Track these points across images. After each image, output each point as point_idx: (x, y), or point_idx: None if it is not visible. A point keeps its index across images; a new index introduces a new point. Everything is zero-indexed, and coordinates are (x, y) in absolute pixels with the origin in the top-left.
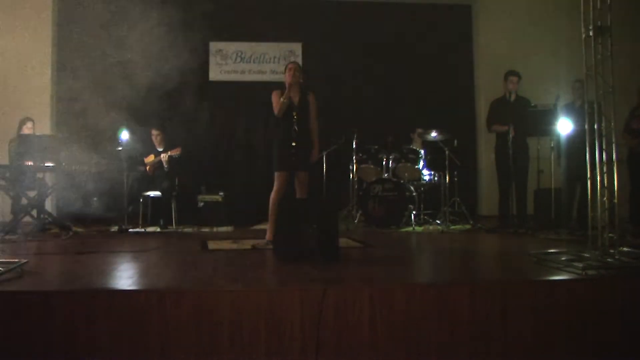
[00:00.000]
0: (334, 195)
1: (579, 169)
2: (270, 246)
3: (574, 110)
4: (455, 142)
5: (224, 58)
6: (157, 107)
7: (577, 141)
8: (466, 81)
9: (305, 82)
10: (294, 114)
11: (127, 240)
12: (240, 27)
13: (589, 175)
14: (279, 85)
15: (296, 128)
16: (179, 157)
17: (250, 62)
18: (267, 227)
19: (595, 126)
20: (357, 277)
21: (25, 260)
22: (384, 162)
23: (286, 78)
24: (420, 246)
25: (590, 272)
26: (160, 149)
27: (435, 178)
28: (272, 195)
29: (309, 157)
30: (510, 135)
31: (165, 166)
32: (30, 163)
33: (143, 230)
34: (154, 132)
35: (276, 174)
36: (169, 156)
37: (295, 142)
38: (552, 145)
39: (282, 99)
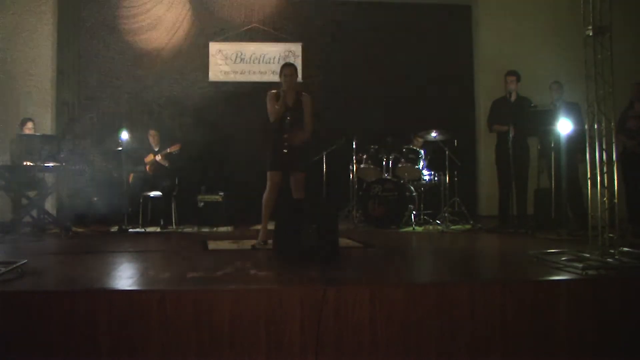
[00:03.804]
0: (334, 195)
1: (565, 169)
2: (266, 246)
3: (557, 110)
4: (455, 142)
5: (223, 58)
6: (157, 108)
7: (562, 141)
8: (466, 81)
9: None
10: (288, 115)
11: (127, 240)
12: (240, 28)
13: (589, 175)
14: (274, 86)
15: (289, 129)
16: (179, 153)
17: (250, 62)
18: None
19: (592, 127)
20: (357, 277)
21: (25, 260)
22: (384, 162)
23: (282, 83)
24: (420, 246)
25: (590, 272)
26: (156, 149)
27: (435, 178)
28: (265, 195)
29: (303, 158)
30: (511, 135)
31: (166, 164)
32: (30, 163)
33: (143, 230)
34: (152, 132)
35: (268, 174)
36: (167, 153)
37: (288, 143)
38: (552, 145)
39: (277, 106)
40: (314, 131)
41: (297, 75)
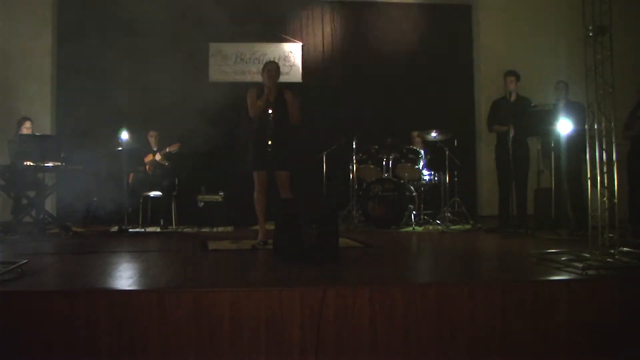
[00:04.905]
0: (334, 195)
1: (567, 169)
2: (267, 246)
3: (558, 110)
4: (455, 142)
5: (223, 59)
6: (157, 108)
7: (564, 141)
8: (466, 81)
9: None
10: (270, 112)
11: (127, 240)
12: (240, 28)
13: (589, 175)
14: (254, 84)
15: (272, 127)
16: (178, 153)
17: (250, 62)
18: (263, 227)
19: (592, 127)
20: (357, 277)
21: (25, 260)
22: (384, 162)
23: (264, 80)
24: (420, 246)
25: (590, 272)
26: (156, 149)
27: (435, 178)
28: (255, 195)
29: (287, 157)
30: (511, 135)
31: (166, 164)
32: (30, 163)
33: (143, 230)
34: (152, 132)
35: (254, 174)
36: (167, 153)
37: (271, 141)
38: (552, 145)
39: (259, 102)
40: (314, 131)
41: (280, 73)
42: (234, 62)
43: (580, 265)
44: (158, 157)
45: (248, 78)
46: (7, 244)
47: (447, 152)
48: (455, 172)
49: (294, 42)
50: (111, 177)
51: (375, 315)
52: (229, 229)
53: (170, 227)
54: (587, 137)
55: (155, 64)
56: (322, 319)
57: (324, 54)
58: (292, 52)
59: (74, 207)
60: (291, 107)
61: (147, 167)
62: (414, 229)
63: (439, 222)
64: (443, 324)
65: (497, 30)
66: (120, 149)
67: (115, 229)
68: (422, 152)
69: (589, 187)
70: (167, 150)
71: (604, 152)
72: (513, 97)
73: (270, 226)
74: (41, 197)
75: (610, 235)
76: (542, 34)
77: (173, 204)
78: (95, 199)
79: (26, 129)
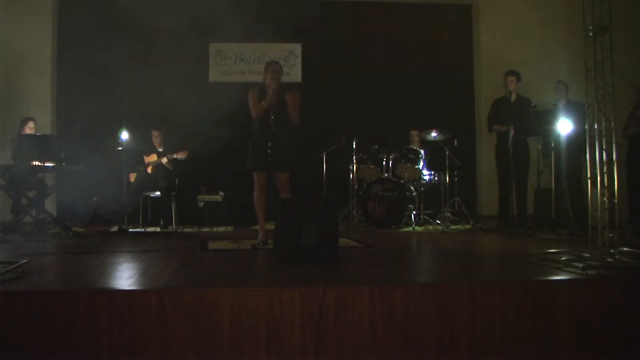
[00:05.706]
0: (334, 195)
1: (567, 169)
2: (267, 246)
3: (558, 110)
4: (455, 142)
5: (223, 59)
6: (157, 108)
7: (564, 141)
8: (466, 81)
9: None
10: (271, 114)
11: (127, 240)
12: (240, 28)
13: (589, 175)
14: (255, 84)
15: (272, 128)
16: (184, 160)
17: (250, 63)
18: (263, 227)
19: (592, 127)
20: (357, 277)
21: (25, 260)
22: (384, 162)
23: (267, 81)
24: (420, 246)
25: (590, 272)
26: (160, 150)
27: (435, 178)
28: (255, 195)
29: (287, 158)
30: (511, 135)
31: (170, 167)
32: (35, 163)
33: (143, 230)
34: (155, 132)
35: (254, 175)
36: (173, 158)
37: (271, 142)
38: (552, 145)
39: (263, 103)
40: (314, 131)
41: (282, 74)
42: (234, 62)
43: (580, 265)
44: (164, 160)
45: (248, 78)
46: (7, 244)
47: (447, 152)
48: (455, 172)
49: (294, 42)
50: (111, 177)
51: (375, 315)
52: (229, 229)
53: (170, 227)
54: (587, 137)
55: (155, 64)
56: (322, 319)
57: (324, 54)
58: (292, 52)
59: (74, 207)
60: (291, 108)
61: (148, 168)
62: (414, 229)
63: (439, 222)
64: (443, 324)
65: (497, 30)
66: (120, 149)
67: (115, 229)
68: (422, 152)
69: (589, 187)
70: (175, 156)
71: (604, 152)
72: (513, 97)
73: (270, 226)
74: (41, 197)
75: (610, 235)
76: (542, 34)
77: (173, 204)
78: (95, 199)
79: (29, 129)
